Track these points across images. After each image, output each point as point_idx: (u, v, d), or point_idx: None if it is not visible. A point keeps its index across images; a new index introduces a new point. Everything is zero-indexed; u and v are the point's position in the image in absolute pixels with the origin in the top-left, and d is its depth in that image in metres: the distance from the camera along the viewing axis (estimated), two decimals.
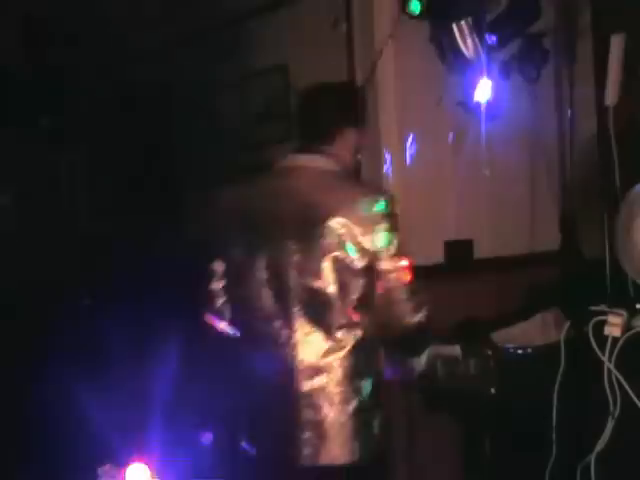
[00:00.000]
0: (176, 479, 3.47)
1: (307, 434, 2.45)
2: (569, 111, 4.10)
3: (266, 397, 2.57)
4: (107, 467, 3.52)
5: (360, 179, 2.95)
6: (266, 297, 2.49)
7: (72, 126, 4.83)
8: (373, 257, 2.43)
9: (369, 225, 2.42)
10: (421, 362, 2.87)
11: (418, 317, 2.52)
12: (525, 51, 4.02)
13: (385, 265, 2.45)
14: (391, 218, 2.45)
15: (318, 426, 2.44)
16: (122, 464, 3.50)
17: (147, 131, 4.69)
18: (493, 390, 3.25)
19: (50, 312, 4.70)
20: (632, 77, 3.49)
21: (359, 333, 2.46)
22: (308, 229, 2.43)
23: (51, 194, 5.24)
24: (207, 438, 3.89)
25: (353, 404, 2.46)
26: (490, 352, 3.29)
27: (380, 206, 2.43)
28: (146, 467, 3.52)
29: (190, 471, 3.45)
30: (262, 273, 2.49)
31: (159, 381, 3.62)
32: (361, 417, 2.47)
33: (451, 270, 3.78)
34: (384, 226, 2.43)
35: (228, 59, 4.68)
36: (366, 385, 2.48)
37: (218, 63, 4.75)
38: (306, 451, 2.46)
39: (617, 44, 3.41)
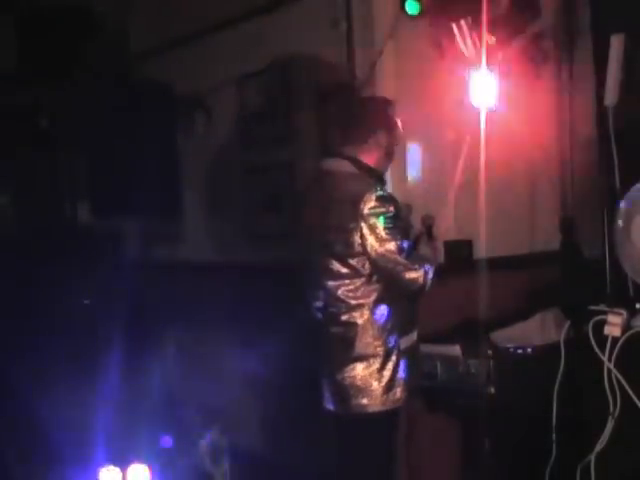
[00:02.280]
0: None
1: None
2: (569, 111, 4.10)
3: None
4: (107, 467, 3.52)
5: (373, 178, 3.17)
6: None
7: (71, 126, 4.82)
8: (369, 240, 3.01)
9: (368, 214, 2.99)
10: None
11: (418, 273, 3.04)
12: (525, 51, 4.02)
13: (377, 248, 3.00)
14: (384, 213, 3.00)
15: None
16: (122, 464, 3.50)
17: (148, 131, 4.68)
18: (493, 390, 3.25)
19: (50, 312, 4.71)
20: (632, 77, 3.49)
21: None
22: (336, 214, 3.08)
23: (51, 194, 5.24)
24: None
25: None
26: (490, 352, 3.29)
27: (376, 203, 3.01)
28: (146, 467, 3.53)
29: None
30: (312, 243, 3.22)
31: None
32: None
33: (451, 270, 3.77)
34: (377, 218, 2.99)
35: (228, 59, 4.69)
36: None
37: (219, 63, 4.76)
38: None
39: (617, 44, 3.40)
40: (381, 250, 2.99)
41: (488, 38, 3.72)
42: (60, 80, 4.64)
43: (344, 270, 3.05)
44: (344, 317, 3.07)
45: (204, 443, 3.94)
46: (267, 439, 4.56)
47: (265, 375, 4.35)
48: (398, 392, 3.07)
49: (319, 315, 3.18)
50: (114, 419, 3.92)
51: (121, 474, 3.49)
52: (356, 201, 2.99)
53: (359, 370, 3.05)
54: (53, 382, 4.19)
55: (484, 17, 3.69)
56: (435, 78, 3.88)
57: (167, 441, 3.94)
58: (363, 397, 3.05)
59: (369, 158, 3.16)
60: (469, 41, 3.66)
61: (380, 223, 2.98)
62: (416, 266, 3.04)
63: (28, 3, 5.04)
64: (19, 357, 4.48)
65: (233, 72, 4.68)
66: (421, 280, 3.05)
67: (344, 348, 3.08)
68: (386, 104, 3.24)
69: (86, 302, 4.90)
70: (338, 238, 3.04)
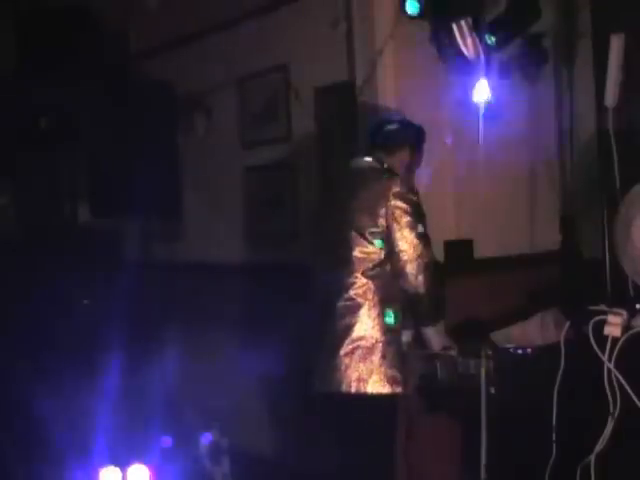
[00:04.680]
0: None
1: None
2: (569, 111, 4.10)
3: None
4: (107, 467, 3.52)
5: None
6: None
7: (71, 126, 4.83)
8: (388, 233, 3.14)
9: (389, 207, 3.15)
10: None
11: (419, 278, 3.13)
12: (525, 51, 4.02)
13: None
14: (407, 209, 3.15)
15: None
16: (122, 464, 3.50)
17: (148, 131, 4.68)
18: (493, 390, 3.25)
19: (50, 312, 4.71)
20: (632, 77, 3.49)
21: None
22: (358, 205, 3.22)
23: (51, 194, 5.24)
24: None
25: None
26: (490, 352, 3.29)
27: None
28: (146, 467, 3.53)
29: None
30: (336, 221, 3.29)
31: None
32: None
33: (451, 270, 3.77)
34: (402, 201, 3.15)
35: (228, 59, 4.69)
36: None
37: (219, 63, 4.76)
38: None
39: (617, 44, 3.40)
40: (402, 234, 3.13)
41: (488, 38, 3.72)
42: (60, 80, 4.63)
43: (364, 248, 3.15)
44: (351, 292, 3.14)
45: (204, 443, 3.94)
46: (267, 439, 4.56)
47: (265, 375, 4.35)
48: (399, 376, 3.13)
49: (326, 293, 3.22)
50: (114, 419, 3.92)
51: (121, 474, 3.49)
52: (383, 188, 3.16)
53: (360, 351, 3.10)
54: (53, 382, 4.19)
55: (484, 17, 3.70)
56: (435, 78, 3.88)
57: (167, 441, 3.94)
58: (364, 379, 3.09)
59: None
60: (469, 41, 3.66)
61: (404, 208, 3.14)
62: (420, 270, 3.14)
63: (28, 3, 5.04)
64: (19, 357, 4.48)
65: (233, 72, 4.69)
66: (415, 283, 3.14)
67: (347, 327, 3.12)
68: (421, 130, 3.44)
69: (86, 302, 4.90)
70: (364, 218, 3.16)
